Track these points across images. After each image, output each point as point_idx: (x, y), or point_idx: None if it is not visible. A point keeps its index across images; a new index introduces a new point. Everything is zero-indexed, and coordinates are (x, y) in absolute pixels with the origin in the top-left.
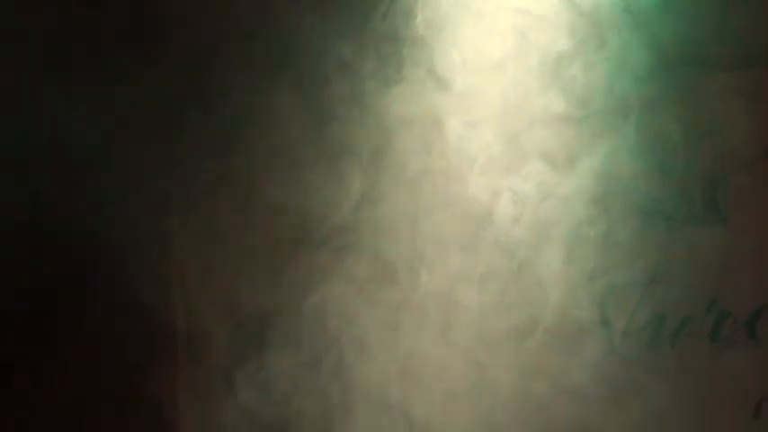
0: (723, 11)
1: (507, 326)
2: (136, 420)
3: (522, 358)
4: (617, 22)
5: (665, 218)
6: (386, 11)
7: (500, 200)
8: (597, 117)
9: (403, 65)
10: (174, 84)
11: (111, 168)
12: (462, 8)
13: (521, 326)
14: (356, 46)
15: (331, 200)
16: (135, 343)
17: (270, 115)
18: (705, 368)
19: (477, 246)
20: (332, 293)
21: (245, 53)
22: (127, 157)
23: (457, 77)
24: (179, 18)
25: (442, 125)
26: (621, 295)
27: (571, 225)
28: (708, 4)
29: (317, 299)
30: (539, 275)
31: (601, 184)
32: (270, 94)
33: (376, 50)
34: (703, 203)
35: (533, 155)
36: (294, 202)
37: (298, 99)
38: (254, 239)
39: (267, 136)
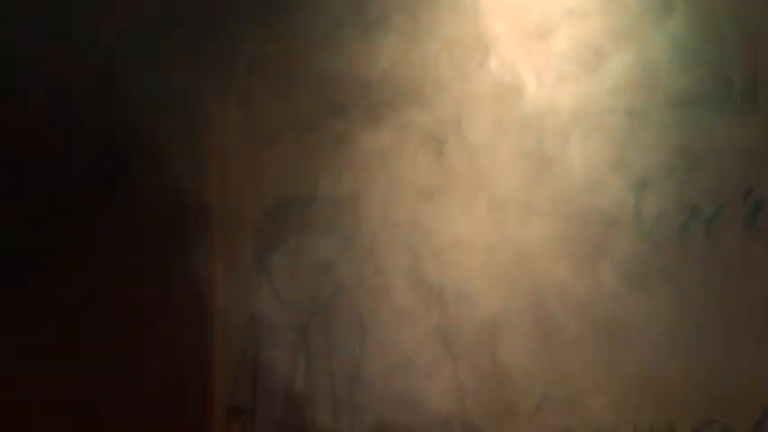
0: None
1: (533, 209)
2: (177, 298)
3: (550, 245)
4: None
5: (703, 105)
6: None
7: (528, 83)
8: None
9: None
10: None
11: (151, 54)
12: None
13: (550, 210)
14: None
15: (372, 80)
16: (173, 225)
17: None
18: (738, 257)
19: (505, 128)
20: (368, 177)
21: None
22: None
23: None
24: None
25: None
26: (655, 182)
27: (603, 111)
28: None
29: (353, 183)
30: (568, 160)
31: (636, 70)
32: None
33: None
34: (742, 92)
35: (565, 38)
36: (335, 80)
37: None
38: (293, 121)
39: (307, 13)
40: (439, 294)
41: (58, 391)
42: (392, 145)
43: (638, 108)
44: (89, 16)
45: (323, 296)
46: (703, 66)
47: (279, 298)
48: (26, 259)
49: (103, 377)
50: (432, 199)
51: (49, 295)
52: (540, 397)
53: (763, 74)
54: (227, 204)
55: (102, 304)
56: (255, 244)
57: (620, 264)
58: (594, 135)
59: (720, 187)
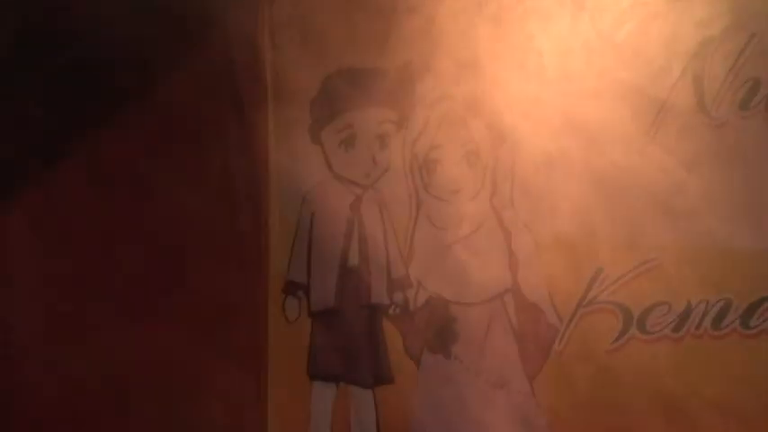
0: None
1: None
2: (234, 170)
3: (609, 123)
4: None
5: None
6: None
7: None
8: None
9: None
10: None
11: None
12: None
13: (606, 87)
14: None
15: None
16: (230, 98)
17: None
18: None
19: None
20: (423, 52)
21: None
22: None
23: None
24: None
25: None
26: (715, 57)
27: None
28: None
29: (408, 58)
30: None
31: None
32: None
33: None
34: None
35: None
36: None
37: None
38: None
39: None
40: (493, 168)
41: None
42: (448, 20)
43: None
44: None
45: (377, 171)
46: None
47: (333, 173)
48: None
49: (162, 241)
50: (486, 72)
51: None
52: (596, 270)
53: None
54: (283, 78)
55: (160, 169)
56: (310, 119)
57: (681, 139)
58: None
59: None
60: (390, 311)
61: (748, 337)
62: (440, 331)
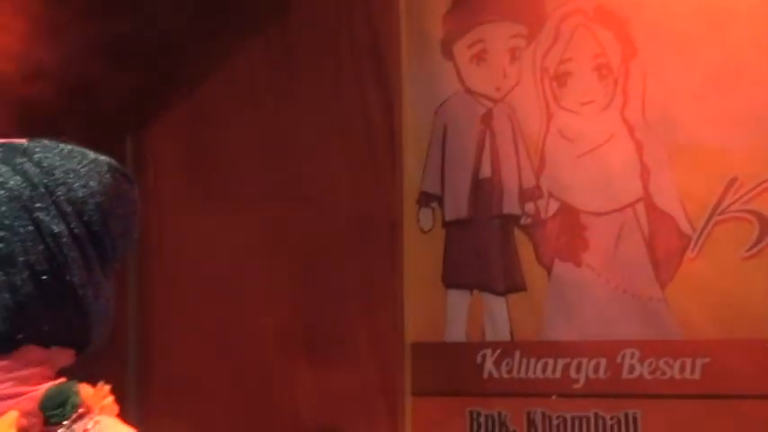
0: None
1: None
2: (368, 77)
3: None
4: None
5: None
6: None
7: None
8: None
9: None
10: None
11: None
12: None
13: None
14: None
15: None
16: (360, 13)
17: None
18: None
19: None
20: None
21: None
22: None
23: None
24: None
25: None
26: None
27: None
28: None
29: None
30: None
31: None
32: None
33: None
34: None
35: None
36: None
37: None
38: None
39: None
40: (623, 83)
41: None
42: None
43: None
44: None
45: (508, 85)
46: None
47: (464, 87)
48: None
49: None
50: None
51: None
52: (730, 179)
53: None
54: None
55: (299, 81)
56: (442, 34)
57: None
58: None
59: None
60: (522, 221)
61: None
62: (570, 240)
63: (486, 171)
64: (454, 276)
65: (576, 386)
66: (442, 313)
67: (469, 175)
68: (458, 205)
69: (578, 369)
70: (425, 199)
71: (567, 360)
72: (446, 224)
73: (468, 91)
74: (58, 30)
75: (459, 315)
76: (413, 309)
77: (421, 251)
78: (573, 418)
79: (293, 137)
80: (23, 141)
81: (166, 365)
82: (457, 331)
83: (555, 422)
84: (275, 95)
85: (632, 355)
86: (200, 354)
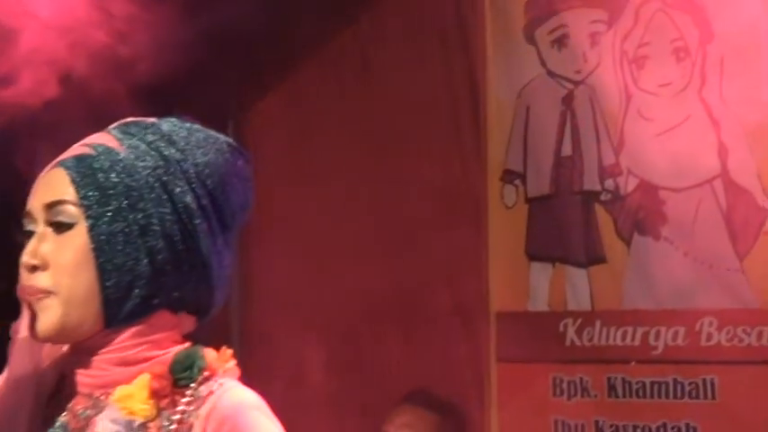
0: None
1: None
2: (455, 60)
3: None
4: None
5: None
6: None
7: None
8: None
9: None
10: None
11: None
12: None
13: None
14: None
15: None
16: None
17: None
18: None
19: None
20: None
21: None
22: None
23: None
24: None
25: None
26: None
27: None
28: None
29: None
30: None
31: None
32: None
33: None
34: None
35: None
36: None
37: None
38: None
39: None
40: (701, 66)
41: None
42: None
43: None
44: None
45: (588, 68)
46: None
47: (546, 70)
48: None
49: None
50: None
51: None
52: None
53: None
54: None
55: (385, 60)
56: (524, 20)
57: None
58: None
59: None
60: (602, 197)
61: None
62: (649, 214)
63: (567, 149)
64: (537, 249)
65: (654, 353)
66: (525, 284)
67: (551, 154)
68: (540, 182)
69: (657, 337)
70: (509, 176)
71: (646, 328)
72: (529, 200)
73: (550, 74)
74: (165, 17)
75: (541, 286)
76: (497, 280)
77: (505, 226)
78: (652, 383)
79: (384, 119)
80: (153, 120)
81: (265, 334)
82: (540, 301)
83: (635, 387)
84: (365, 80)
85: (710, 324)
86: (295, 322)
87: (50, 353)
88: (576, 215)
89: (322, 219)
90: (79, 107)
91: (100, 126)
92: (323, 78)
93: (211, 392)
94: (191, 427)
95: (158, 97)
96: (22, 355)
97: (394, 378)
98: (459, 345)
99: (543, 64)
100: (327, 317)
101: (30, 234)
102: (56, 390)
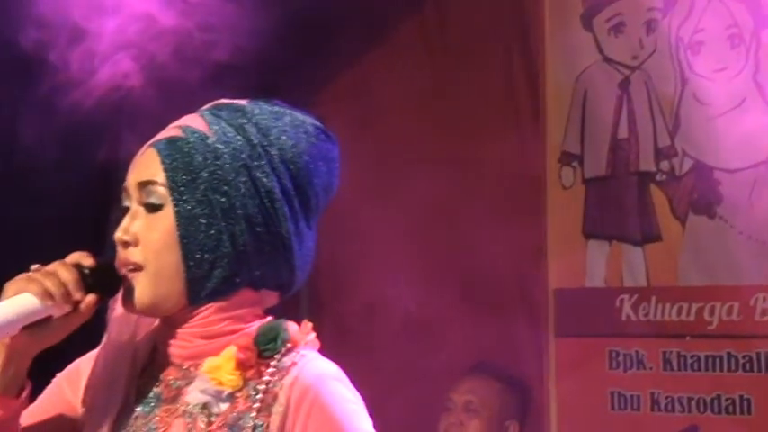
0: None
1: None
2: (515, 47)
3: None
4: None
5: None
6: None
7: None
8: None
9: None
10: None
11: None
12: None
13: None
14: None
15: None
16: None
17: None
18: None
19: None
20: None
21: None
22: None
23: None
24: None
25: None
26: None
27: None
28: None
29: None
30: None
31: None
32: None
33: None
34: None
35: None
36: None
37: None
38: None
39: None
40: (755, 52)
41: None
42: None
43: None
44: None
45: (644, 54)
46: None
47: (603, 56)
48: None
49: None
50: None
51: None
52: None
53: None
54: None
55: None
56: (582, 9)
57: None
58: None
59: None
60: (657, 177)
61: None
62: (704, 194)
63: (623, 132)
64: (593, 228)
65: (709, 328)
66: (583, 262)
67: (608, 136)
68: (597, 164)
69: (711, 312)
70: (566, 158)
71: (701, 304)
72: (586, 181)
73: (607, 60)
74: (240, 7)
75: (598, 263)
76: (555, 258)
77: (562, 206)
78: (706, 357)
79: (446, 104)
80: (244, 103)
81: (335, 309)
82: (597, 278)
83: (689, 360)
84: (429, 65)
85: (764, 299)
86: (364, 297)
87: (145, 325)
88: (632, 195)
89: (387, 200)
90: (163, 88)
91: (183, 108)
92: (388, 64)
93: (294, 363)
94: (275, 396)
95: (232, 80)
96: (119, 329)
97: (458, 352)
98: (519, 320)
99: (600, 50)
100: (394, 294)
101: (126, 210)
102: (149, 360)
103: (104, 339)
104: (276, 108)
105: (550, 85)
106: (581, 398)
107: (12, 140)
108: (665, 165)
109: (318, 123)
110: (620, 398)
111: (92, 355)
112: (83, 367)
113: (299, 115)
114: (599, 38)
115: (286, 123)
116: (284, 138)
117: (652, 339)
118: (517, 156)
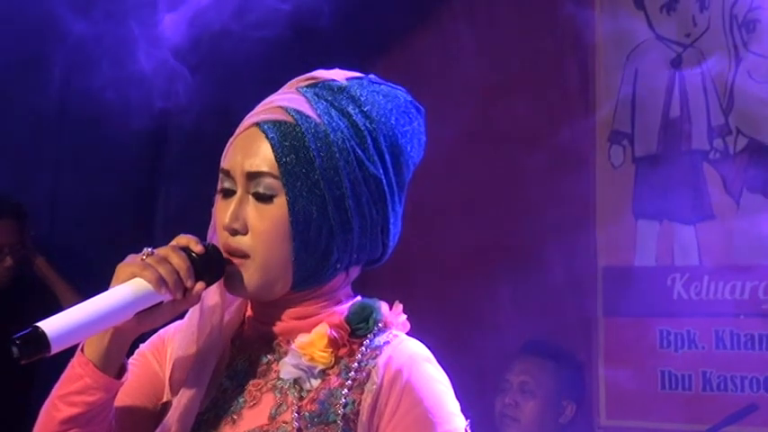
0: None
1: None
2: (564, 29)
3: None
4: None
5: None
6: None
7: None
8: None
9: None
10: None
11: None
12: None
13: None
14: None
15: None
16: None
17: None
18: None
19: None
20: None
21: None
22: None
23: None
24: None
25: None
26: None
27: None
28: None
29: None
30: None
31: None
32: None
33: None
34: None
35: None
36: None
37: None
38: None
39: None
40: None
41: None
42: None
43: None
44: None
45: (697, 31)
46: None
47: (655, 34)
48: None
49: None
50: None
51: None
52: None
53: None
54: None
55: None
56: None
57: None
58: None
59: None
60: (710, 156)
61: None
62: (759, 172)
63: (675, 111)
64: (644, 207)
65: (764, 306)
66: (632, 240)
67: (659, 115)
68: (648, 142)
69: (766, 291)
70: (616, 137)
71: (755, 283)
72: (636, 159)
73: (659, 38)
74: None
75: (648, 242)
76: (604, 237)
77: (611, 184)
78: (760, 336)
79: (495, 82)
80: (343, 81)
81: (378, 288)
82: (647, 257)
83: (743, 339)
84: (477, 43)
85: None
86: (409, 275)
87: (235, 301)
88: (685, 174)
89: (436, 176)
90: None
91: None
92: (436, 43)
93: (387, 343)
94: (368, 374)
95: (289, 52)
96: (210, 304)
97: (504, 331)
98: (568, 299)
99: (652, 28)
100: (442, 272)
101: (225, 191)
102: (237, 335)
103: (191, 313)
104: (378, 88)
105: (600, 63)
106: (630, 377)
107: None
108: (718, 143)
109: (411, 99)
110: (671, 377)
111: (176, 326)
112: (167, 338)
113: (400, 94)
114: (651, 16)
115: (389, 105)
116: (385, 120)
117: (704, 318)
118: (566, 135)
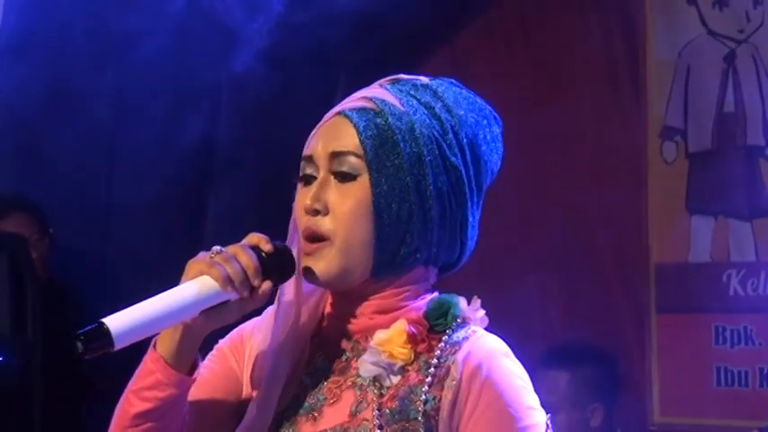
0: None
1: None
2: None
3: None
4: None
5: None
6: None
7: None
8: None
9: None
10: None
11: None
12: None
13: None
14: None
15: None
16: None
17: None
18: None
19: None
20: None
21: None
22: None
23: None
24: None
25: None
26: None
27: None
28: None
29: None
30: None
31: None
32: None
33: None
34: None
35: None
36: None
37: None
38: None
39: None
40: None
41: None
42: None
43: None
44: None
45: (751, 27)
46: None
47: (707, 29)
48: None
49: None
50: None
51: None
52: None
53: None
54: None
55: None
56: None
57: None
58: None
59: None
60: (766, 151)
61: None
62: None
63: (729, 106)
64: (698, 203)
65: None
66: (686, 237)
67: (713, 110)
68: (701, 138)
69: None
70: (669, 133)
71: None
72: (689, 155)
73: (711, 33)
74: None
75: (703, 238)
76: (657, 233)
77: (664, 180)
78: None
79: (545, 79)
80: (426, 79)
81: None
82: (701, 253)
83: None
84: (525, 45)
85: None
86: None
87: (312, 300)
88: (740, 169)
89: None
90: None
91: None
92: (484, 42)
93: (466, 338)
94: (448, 370)
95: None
96: (289, 300)
97: (556, 327)
98: (621, 296)
99: (704, 24)
100: (493, 268)
101: (306, 178)
102: (315, 332)
103: (269, 309)
104: (456, 88)
105: (652, 59)
106: (685, 374)
107: None
108: None
109: (490, 108)
110: (726, 373)
111: (255, 323)
112: (246, 334)
113: (478, 100)
114: (703, 11)
115: (471, 107)
116: (468, 118)
117: (761, 314)
118: (618, 131)
